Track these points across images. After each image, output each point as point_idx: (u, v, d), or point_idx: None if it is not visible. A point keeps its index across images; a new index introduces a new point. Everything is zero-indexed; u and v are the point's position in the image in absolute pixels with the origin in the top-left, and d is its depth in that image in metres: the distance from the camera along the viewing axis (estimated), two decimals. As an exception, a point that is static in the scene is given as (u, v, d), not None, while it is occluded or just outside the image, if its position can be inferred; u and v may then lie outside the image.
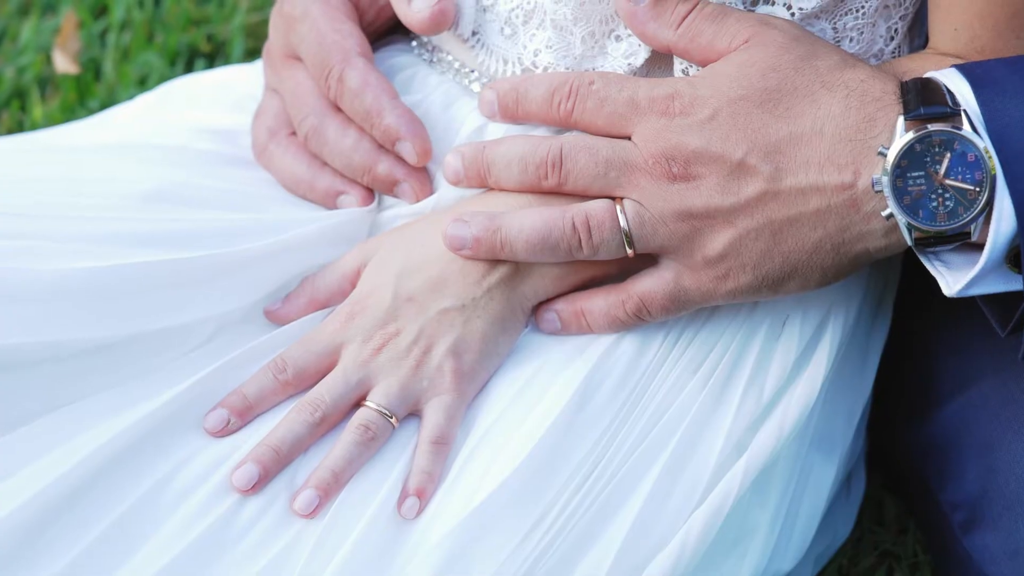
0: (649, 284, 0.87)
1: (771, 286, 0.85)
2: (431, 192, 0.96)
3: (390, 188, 0.96)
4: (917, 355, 1.04)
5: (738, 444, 0.87)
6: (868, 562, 1.12)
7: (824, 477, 0.98)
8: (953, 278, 0.78)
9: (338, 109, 0.96)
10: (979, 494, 0.91)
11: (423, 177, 0.95)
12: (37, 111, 1.72)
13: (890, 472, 1.15)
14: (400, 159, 0.93)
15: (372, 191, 0.97)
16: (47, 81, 1.81)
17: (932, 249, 0.79)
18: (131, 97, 1.68)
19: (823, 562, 1.06)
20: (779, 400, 0.89)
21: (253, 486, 0.80)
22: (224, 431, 0.84)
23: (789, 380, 0.90)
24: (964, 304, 0.81)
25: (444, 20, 0.92)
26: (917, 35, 0.99)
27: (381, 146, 0.94)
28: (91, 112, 1.71)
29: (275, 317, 0.93)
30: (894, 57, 0.94)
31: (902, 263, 0.99)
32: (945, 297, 0.80)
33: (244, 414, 0.85)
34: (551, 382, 0.86)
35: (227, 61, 1.85)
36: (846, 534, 1.09)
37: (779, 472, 0.90)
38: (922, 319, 1.03)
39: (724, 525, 0.84)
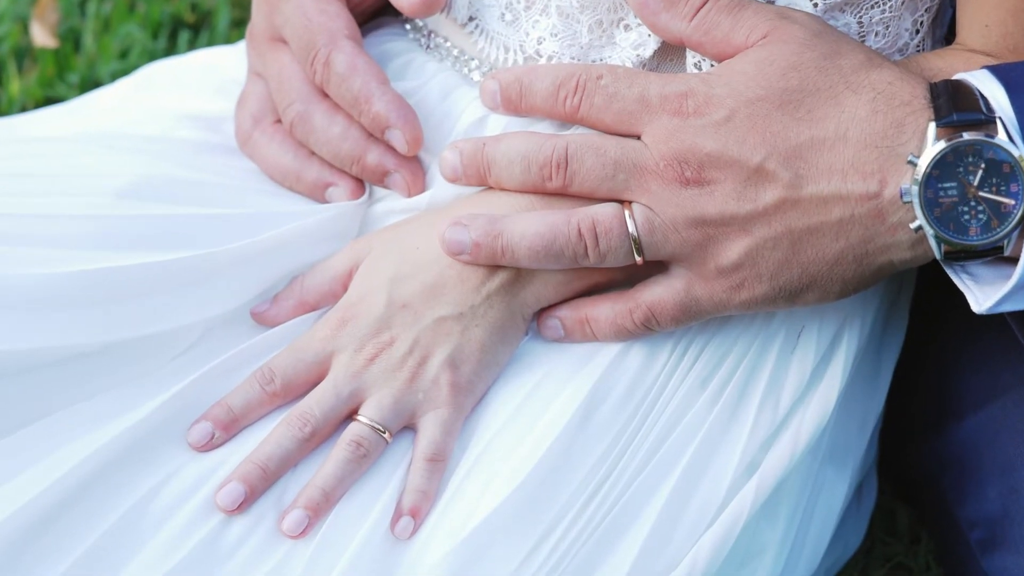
0: (659, 293, 0.82)
1: (788, 297, 0.81)
2: (424, 183, 0.90)
3: (381, 179, 0.90)
4: (934, 365, 1.00)
5: (752, 462, 0.83)
6: (879, 574, 1.09)
7: (836, 491, 0.94)
8: (983, 293, 0.73)
9: (325, 95, 0.91)
10: (1000, 514, 0.88)
11: (415, 167, 0.90)
12: (14, 85, 1.66)
13: (903, 482, 1.12)
14: (391, 148, 0.88)
15: (362, 182, 0.92)
16: (24, 53, 1.73)
17: (961, 263, 0.75)
18: (112, 71, 1.62)
19: (833, 573, 1.03)
20: (793, 416, 0.86)
21: (239, 506, 0.76)
22: (208, 445, 0.80)
23: (804, 395, 0.86)
24: (986, 315, 0.77)
25: (435, 2, 0.87)
26: (939, 25, 0.93)
27: (371, 135, 0.89)
28: (70, 87, 1.65)
29: (263, 319, 0.89)
30: (919, 51, 0.89)
31: (919, 269, 0.95)
32: (964, 306, 0.76)
33: (229, 427, 0.80)
34: (554, 395, 0.82)
35: (212, 33, 1.78)
36: (856, 544, 1.06)
37: (790, 488, 0.87)
38: (941, 328, 0.99)
39: (733, 545, 0.80)
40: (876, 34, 0.85)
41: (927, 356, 1.00)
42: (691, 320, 0.84)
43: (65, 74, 1.68)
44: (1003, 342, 0.84)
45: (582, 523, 0.78)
